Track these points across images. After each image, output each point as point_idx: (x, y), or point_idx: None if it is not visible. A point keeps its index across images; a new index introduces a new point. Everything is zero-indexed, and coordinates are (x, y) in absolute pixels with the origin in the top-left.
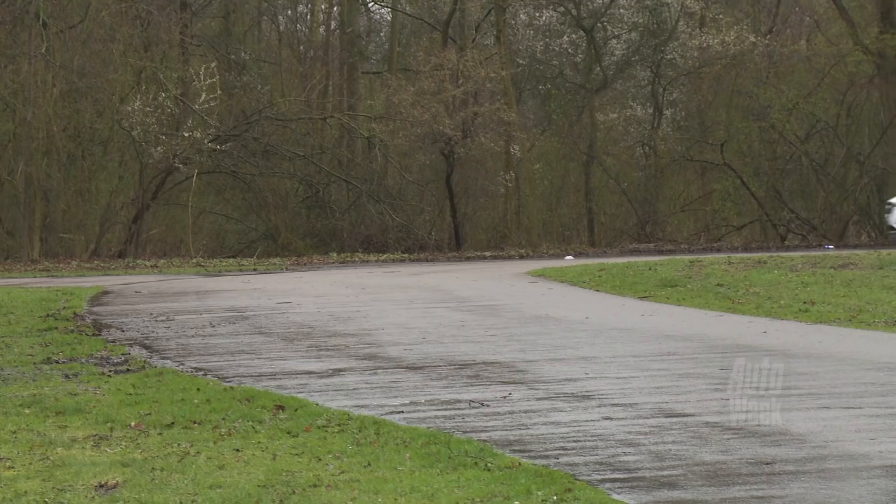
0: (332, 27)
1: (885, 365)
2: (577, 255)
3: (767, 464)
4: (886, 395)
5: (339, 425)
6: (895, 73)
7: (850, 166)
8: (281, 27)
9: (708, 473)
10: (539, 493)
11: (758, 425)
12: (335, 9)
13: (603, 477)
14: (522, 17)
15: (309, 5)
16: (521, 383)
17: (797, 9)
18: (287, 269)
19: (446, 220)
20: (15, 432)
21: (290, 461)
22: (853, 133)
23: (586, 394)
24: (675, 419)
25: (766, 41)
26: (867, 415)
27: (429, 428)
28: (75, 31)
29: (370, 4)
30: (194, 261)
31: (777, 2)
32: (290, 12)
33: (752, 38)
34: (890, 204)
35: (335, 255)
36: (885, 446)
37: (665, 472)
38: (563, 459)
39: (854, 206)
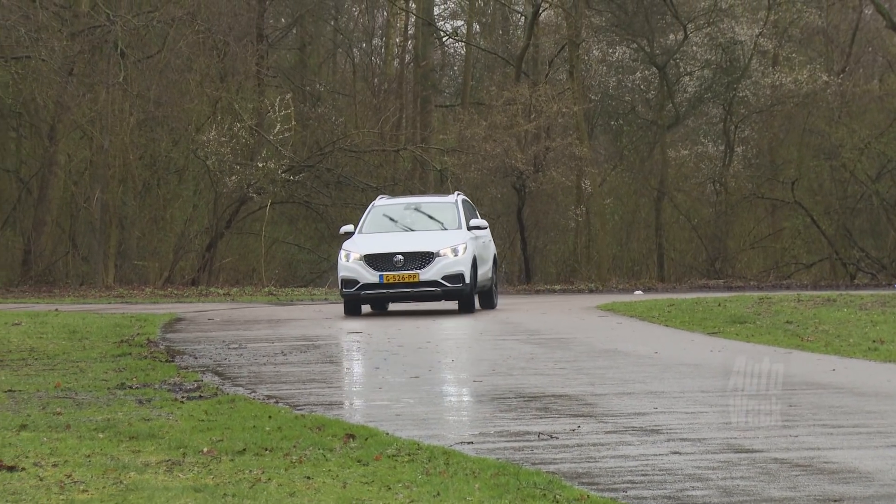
0: (407, 60)
1: None
2: (647, 290)
3: (836, 501)
4: None
5: (408, 455)
6: None
7: None
8: (356, 60)
9: None
10: None
11: (826, 462)
12: (409, 42)
13: None
14: (595, 53)
15: (384, 38)
16: (590, 416)
17: (870, 49)
18: None
19: (517, 254)
20: (89, 456)
21: (361, 489)
22: None
23: (655, 428)
24: (743, 455)
25: (839, 80)
26: None
27: (498, 459)
28: (153, 60)
29: (444, 39)
30: (266, 289)
31: (850, 42)
32: (364, 45)
33: (825, 78)
34: (346, 250)
35: None
36: None
37: None
38: (632, 493)
39: None
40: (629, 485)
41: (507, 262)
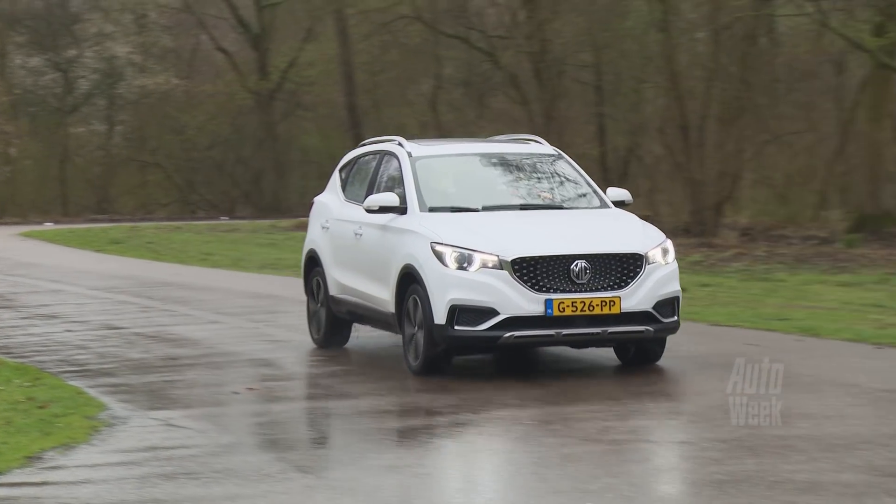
0: None
1: (254, 294)
2: (56, 223)
3: (174, 359)
4: (253, 314)
5: None
6: (268, 105)
7: (238, 166)
8: None
9: (134, 366)
10: (17, 381)
11: (169, 334)
12: None
13: (62, 370)
14: (18, 61)
15: None
16: (10, 308)
17: (205, 64)
18: None
19: None
20: None
21: None
22: (241, 144)
23: (54, 314)
24: (113, 331)
25: (185, 82)
26: (239, 327)
27: None
28: None
29: None
30: None
31: (191, 57)
32: None
33: (176, 80)
34: (449, 245)
35: None
36: (250, 346)
37: (105, 366)
38: (36, 359)
39: (239, 191)
40: (35, 353)
41: None
